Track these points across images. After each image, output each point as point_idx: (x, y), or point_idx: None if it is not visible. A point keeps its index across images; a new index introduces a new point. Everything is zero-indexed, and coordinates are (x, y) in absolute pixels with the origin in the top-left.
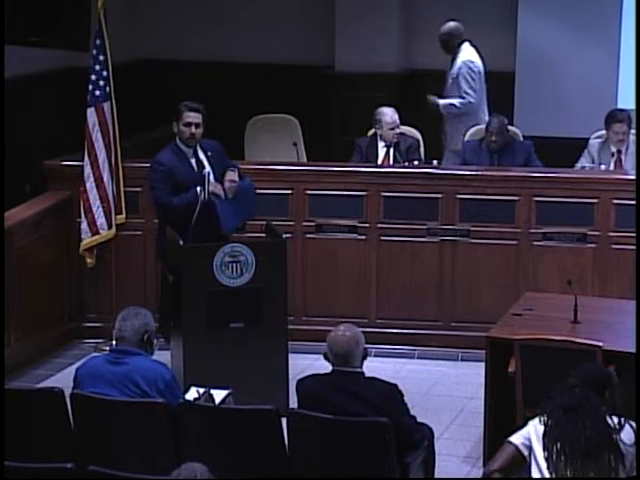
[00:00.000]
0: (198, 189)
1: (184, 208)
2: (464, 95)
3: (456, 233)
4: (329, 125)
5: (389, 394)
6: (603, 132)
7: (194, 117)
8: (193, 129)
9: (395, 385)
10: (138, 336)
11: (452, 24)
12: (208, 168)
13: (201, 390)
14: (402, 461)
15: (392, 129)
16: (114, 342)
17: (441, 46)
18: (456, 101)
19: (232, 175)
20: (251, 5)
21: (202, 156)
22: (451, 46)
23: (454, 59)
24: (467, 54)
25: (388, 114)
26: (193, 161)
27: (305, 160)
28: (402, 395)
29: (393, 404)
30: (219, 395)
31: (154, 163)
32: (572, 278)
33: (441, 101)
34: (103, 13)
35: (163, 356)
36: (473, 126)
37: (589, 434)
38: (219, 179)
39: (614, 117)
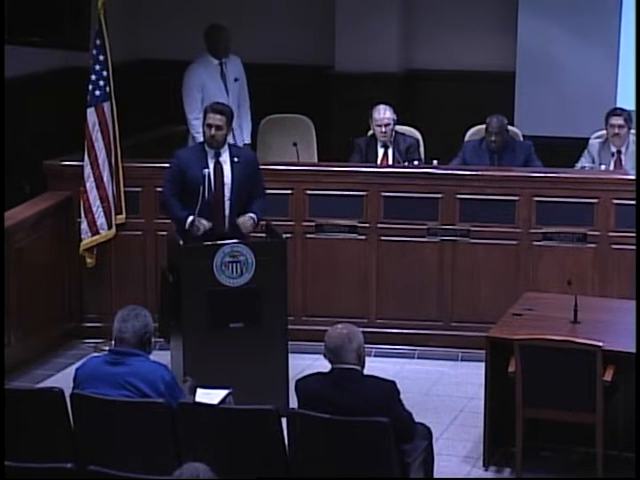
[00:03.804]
0: (189, 220)
1: (171, 216)
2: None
3: (456, 233)
4: (329, 125)
5: (388, 391)
6: (603, 132)
7: (215, 119)
8: (213, 131)
9: (393, 382)
10: (138, 337)
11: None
12: (207, 170)
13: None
14: (402, 461)
15: (379, 126)
16: (113, 343)
17: (224, 44)
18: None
19: (248, 222)
20: (251, 5)
21: (225, 159)
22: (229, 49)
23: (223, 63)
24: (236, 58)
25: (379, 110)
26: (212, 163)
27: (316, 160)
28: (399, 392)
29: (392, 401)
30: (219, 395)
31: (173, 156)
32: (572, 278)
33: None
34: (103, 13)
35: (163, 356)
36: None
37: None
38: (239, 185)
39: (612, 111)
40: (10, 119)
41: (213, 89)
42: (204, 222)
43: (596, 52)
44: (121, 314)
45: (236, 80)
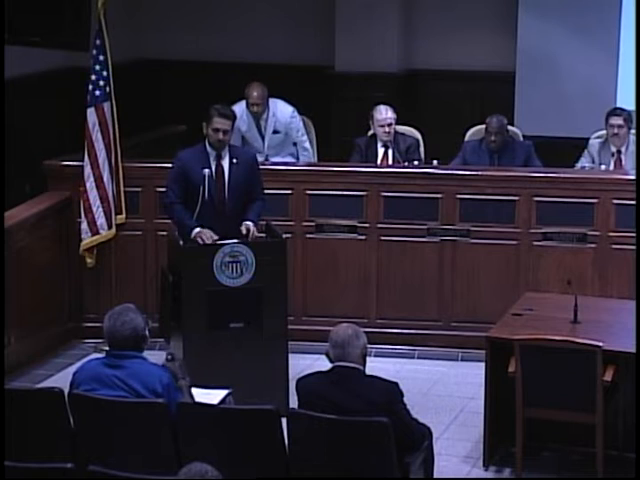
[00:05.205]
0: (195, 230)
1: (176, 221)
2: (306, 147)
3: (456, 233)
4: (329, 125)
5: (390, 392)
6: (603, 132)
7: (223, 123)
8: (221, 135)
9: (396, 383)
10: (131, 339)
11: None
12: (207, 171)
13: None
14: (402, 461)
15: (382, 126)
16: (108, 345)
17: (254, 105)
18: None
19: (252, 229)
20: (251, 5)
21: (225, 161)
22: (260, 109)
23: (262, 115)
24: (283, 105)
25: (380, 111)
26: (214, 164)
27: (316, 160)
28: (402, 395)
29: (393, 402)
30: (219, 395)
31: (175, 157)
32: (572, 278)
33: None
34: (103, 13)
35: (163, 356)
36: None
37: None
38: (237, 186)
39: (612, 111)
40: (10, 119)
41: (249, 135)
42: (210, 234)
43: (596, 52)
44: (109, 318)
45: (275, 133)
